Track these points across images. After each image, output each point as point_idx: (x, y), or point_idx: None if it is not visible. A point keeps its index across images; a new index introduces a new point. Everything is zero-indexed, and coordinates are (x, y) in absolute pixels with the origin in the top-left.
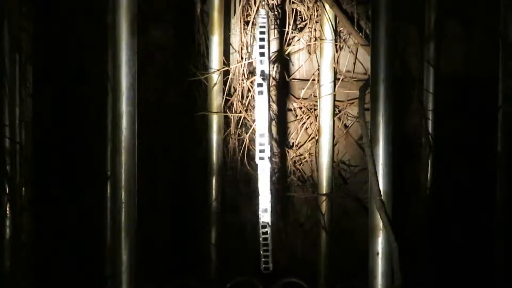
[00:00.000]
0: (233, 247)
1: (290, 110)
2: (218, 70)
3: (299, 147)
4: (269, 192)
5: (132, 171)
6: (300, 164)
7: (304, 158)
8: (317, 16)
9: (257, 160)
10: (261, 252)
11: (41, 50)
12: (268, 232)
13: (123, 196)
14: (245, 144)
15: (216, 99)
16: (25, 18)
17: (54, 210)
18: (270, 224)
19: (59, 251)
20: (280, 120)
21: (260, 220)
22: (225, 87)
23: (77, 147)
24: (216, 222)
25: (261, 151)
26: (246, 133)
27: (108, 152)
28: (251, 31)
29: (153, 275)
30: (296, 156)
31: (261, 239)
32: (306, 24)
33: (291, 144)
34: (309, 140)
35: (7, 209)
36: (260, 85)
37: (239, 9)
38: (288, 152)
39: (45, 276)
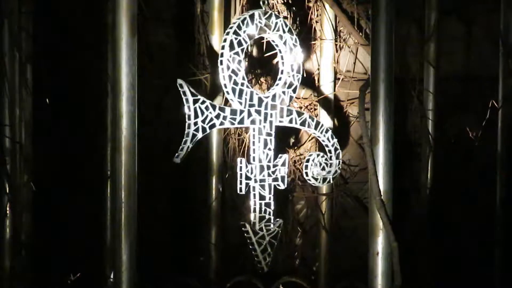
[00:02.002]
0: (233, 247)
1: None
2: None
3: (299, 147)
4: (259, 191)
5: (132, 171)
6: (300, 164)
7: (304, 157)
8: (317, 16)
9: (174, 159)
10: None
11: (41, 50)
12: (250, 232)
13: (123, 196)
14: (245, 144)
15: (216, 99)
16: (25, 18)
17: (54, 210)
18: (251, 224)
19: (59, 251)
20: None
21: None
22: None
23: (77, 147)
24: (216, 222)
25: (181, 149)
26: (246, 133)
27: (108, 152)
28: None
29: (153, 275)
30: (296, 156)
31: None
32: (306, 23)
33: (291, 144)
34: (309, 140)
35: (7, 209)
36: (181, 86)
37: (239, 8)
38: (288, 151)
39: (45, 276)
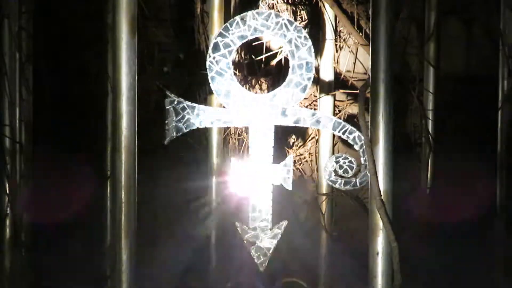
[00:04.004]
0: (233, 247)
1: None
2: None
3: (299, 147)
4: (254, 191)
5: (132, 171)
6: (300, 164)
7: (304, 158)
8: (317, 16)
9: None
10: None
11: (41, 50)
12: (240, 231)
13: (123, 196)
14: (245, 144)
15: (216, 99)
16: (25, 18)
17: (54, 210)
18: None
19: (59, 251)
20: None
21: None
22: None
23: (77, 147)
24: (215, 222)
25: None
26: (246, 133)
27: (108, 152)
28: None
29: (153, 275)
30: (296, 156)
31: None
32: (306, 23)
33: (291, 144)
34: (309, 140)
35: (7, 209)
36: (158, 87)
37: (239, 8)
38: (288, 152)
39: (45, 276)
